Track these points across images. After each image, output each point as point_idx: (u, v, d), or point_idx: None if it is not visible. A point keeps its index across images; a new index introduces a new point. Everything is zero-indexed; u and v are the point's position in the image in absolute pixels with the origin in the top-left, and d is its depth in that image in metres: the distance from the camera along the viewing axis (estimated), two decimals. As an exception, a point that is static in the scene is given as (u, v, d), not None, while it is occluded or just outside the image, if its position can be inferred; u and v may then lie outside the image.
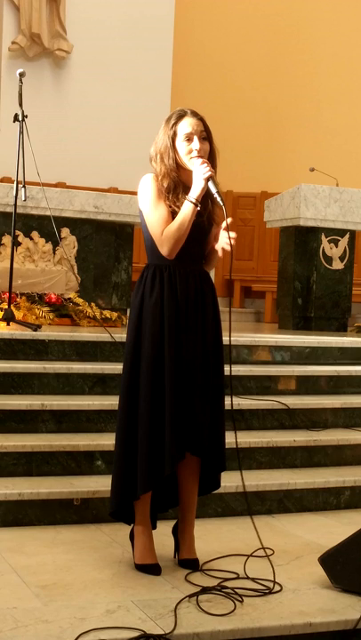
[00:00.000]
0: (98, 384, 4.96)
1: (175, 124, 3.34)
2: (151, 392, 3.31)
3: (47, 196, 6.07)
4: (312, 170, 8.60)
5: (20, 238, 6.37)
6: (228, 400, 3.52)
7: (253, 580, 3.36)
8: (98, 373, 4.97)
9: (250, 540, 3.82)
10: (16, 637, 2.74)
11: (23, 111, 5.78)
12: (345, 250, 7.68)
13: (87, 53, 9.93)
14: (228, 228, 3.25)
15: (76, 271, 6.60)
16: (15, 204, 5.73)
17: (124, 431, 3.38)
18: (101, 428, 4.65)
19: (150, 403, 3.30)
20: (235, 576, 3.40)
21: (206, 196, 3.32)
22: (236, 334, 5.79)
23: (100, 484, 4.13)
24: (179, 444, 3.29)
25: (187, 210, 3.28)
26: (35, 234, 6.45)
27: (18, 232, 6.24)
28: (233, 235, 3.26)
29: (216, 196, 3.25)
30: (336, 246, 7.63)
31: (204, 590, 3.21)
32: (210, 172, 3.26)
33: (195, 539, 3.54)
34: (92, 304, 6.40)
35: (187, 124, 3.33)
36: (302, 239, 7.59)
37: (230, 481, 4.20)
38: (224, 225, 3.27)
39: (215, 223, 3.43)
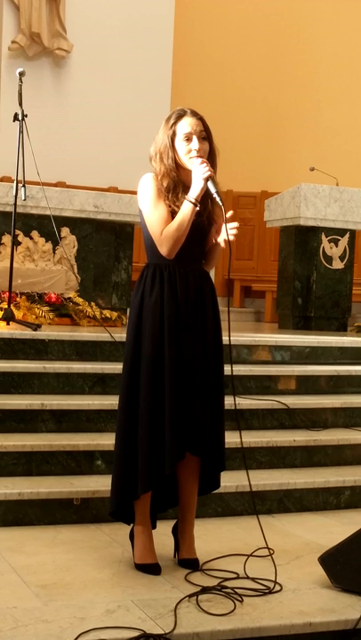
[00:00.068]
0: (98, 384, 4.96)
1: (175, 123, 3.34)
2: (151, 392, 3.30)
3: (47, 195, 6.06)
4: (312, 169, 8.60)
5: (20, 238, 6.36)
6: (228, 400, 3.52)
7: (253, 579, 3.36)
8: (98, 373, 4.97)
9: (250, 539, 3.83)
10: (16, 637, 2.74)
11: (23, 110, 5.78)
12: (345, 249, 7.68)
13: (87, 53, 9.93)
14: (226, 220, 3.22)
15: (75, 271, 6.60)
16: (15, 204, 5.73)
17: (123, 431, 3.38)
18: (101, 428, 4.65)
19: (150, 402, 3.30)
20: (235, 576, 3.39)
21: (206, 196, 3.31)
22: (236, 334, 5.78)
23: (99, 484, 4.13)
24: (179, 444, 3.29)
25: (186, 209, 3.28)
26: (35, 233, 6.44)
27: (18, 231, 6.23)
28: (236, 224, 3.25)
29: (215, 195, 3.25)
30: (336, 246, 7.63)
31: (204, 590, 3.21)
32: (209, 172, 3.26)
33: (195, 538, 3.54)
34: (92, 304, 6.40)
35: (186, 124, 3.32)
36: (302, 239, 7.59)
37: (230, 481, 4.20)
38: (228, 215, 3.24)
39: (215, 223, 3.43)
